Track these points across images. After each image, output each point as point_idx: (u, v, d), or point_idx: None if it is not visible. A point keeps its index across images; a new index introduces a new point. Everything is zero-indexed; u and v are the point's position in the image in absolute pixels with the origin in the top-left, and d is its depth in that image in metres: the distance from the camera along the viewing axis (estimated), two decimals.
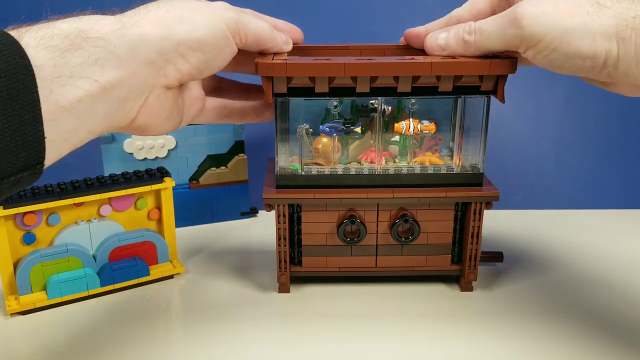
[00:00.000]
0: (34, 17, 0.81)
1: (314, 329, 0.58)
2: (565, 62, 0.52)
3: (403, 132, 0.60)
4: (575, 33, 0.49)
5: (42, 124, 0.39)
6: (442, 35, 0.58)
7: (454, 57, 0.56)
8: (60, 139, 0.42)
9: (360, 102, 0.60)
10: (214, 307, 0.62)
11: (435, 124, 0.60)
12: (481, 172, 0.61)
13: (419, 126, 0.60)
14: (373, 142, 0.62)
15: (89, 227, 0.63)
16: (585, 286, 0.65)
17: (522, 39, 0.51)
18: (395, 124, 0.60)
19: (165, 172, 0.66)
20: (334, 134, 0.60)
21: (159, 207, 0.67)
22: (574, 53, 0.50)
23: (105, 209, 0.64)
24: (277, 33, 0.58)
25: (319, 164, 0.62)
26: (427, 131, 0.60)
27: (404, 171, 0.61)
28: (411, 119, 0.60)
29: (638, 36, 0.47)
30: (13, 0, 0.79)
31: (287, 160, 0.61)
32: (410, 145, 0.62)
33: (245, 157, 0.81)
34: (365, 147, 0.63)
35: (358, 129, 0.60)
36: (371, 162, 0.61)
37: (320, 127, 0.60)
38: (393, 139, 0.62)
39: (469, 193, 0.60)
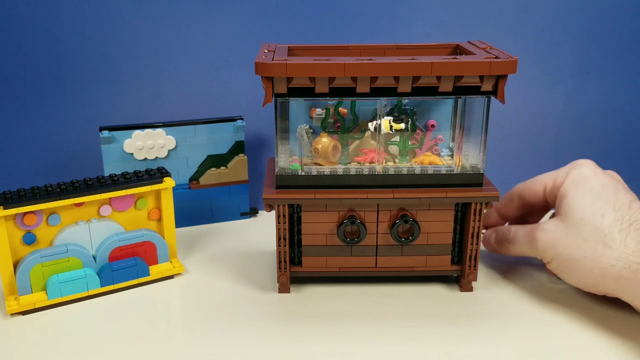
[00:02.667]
0: (34, 16, 0.82)
1: (313, 329, 0.58)
2: (575, 282, 0.60)
3: (372, 130, 0.60)
4: (578, 264, 0.57)
5: None
6: (492, 235, 0.68)
7: (454, 59, 0.56)
8: None
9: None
10: (214, 307, 0.62)
11: (405, 123, 0.60)
12: (481, 172, 0.61)
13: (390, 125, 0.60)
14: (373, 142, 0.62)
15: (89, 227, 0.63)
16: None
17: (541, 256, 0.61)
18: (369, 123, 0.60)
19: (165, 172, 0.66)
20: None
21: (159, 207, 0.67)
22: (579, 278, 0.58)
23: (105, 209, 0.64)
24: None
25: (319, 164, 0.62)
26: (398, 129, 0.60)
27: (404, 171, 0.61)
28: (382, 119, 0.60)
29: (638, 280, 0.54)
30: (13, 0, 0.79)
31: (287, 160, 0.61)
32: (411, 146, 0.62)
33: (245, 157, 0.80)
34: (365, 147, 0.63)
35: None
36: (370, 162, 0.61)
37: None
38: (393, 139, 0.62)
39: (469, 193, 0.60)
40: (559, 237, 0.58)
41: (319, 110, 0.61)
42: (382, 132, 0.60)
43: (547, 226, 0.60)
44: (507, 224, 0.70)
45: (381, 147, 0.61)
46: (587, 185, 0.60)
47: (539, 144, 0.87)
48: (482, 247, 0.67)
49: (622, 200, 0.58)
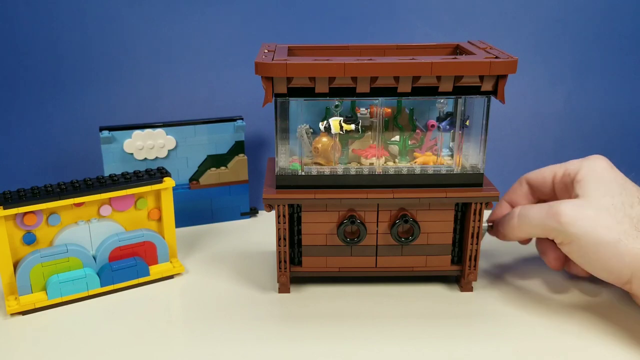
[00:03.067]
0: (34, 16, 0.82)
1: (313, 329, 0.58)
2: (591, 267, 0.56)
3: (322, 129, 0.60)
4: (606, 246, 0.53)
5: None
6: (499, 220, 0.64)
7: (454, 59, 0.56)
8: None
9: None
10: (214, 307, 0.62)
11: (356, 124, 0.60)
12: (481, 172, 0.61)
13: (340, 125, 0.60)
14: (373, 142, 0.62)
15: (89, 227, 0.63)
16: (586, 285, 0.65)
17: (559, 233, 0.55)
18: (320, 123, 0.60)
19: (165, 172, 0.66)
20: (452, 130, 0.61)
21: (159, 207, 0.67)
22: (600, 263, 0.54)
23: (105, 209, 0.64)
24: None
25: (319, 164, 0.62)
26: (348, 130, 0.60)
27: (404, 171, 0.61)
28: (331, 119, 0.59)
29: None
30: (13, 0, 0.79)
31: (287, 160, 0.61)
32: (411, 146, 0.62)
33: (245, 157, 0.80)
34: (365, 146, 0.63)
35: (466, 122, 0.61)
36: (369, 157, 0.61)
37: (441, 124, 0.60)
38: (393, 139, 0.62)
39: (469, 193, 0.60)
40: (590, 215, 0.54)
41: (363, 110, 0.61)
42: (333, 132, 0.60)
43: (573, 202, 0.56)
44: None
45: (380, 145, 0.61)
46: (607, 176, 0.58)
47: (539, 144, 0.87)
48: (482, 246, 0.67)
49: None
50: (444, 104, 0.61)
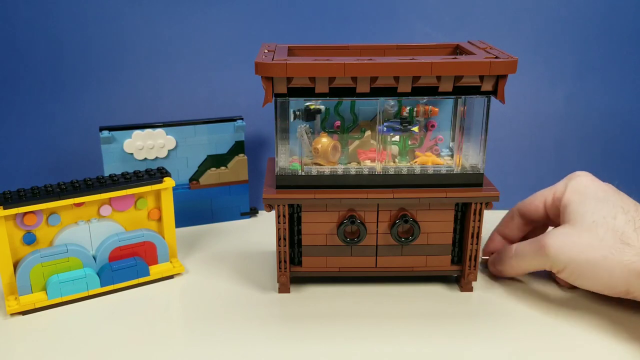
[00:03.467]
0: (34, 16, 0.82)
1: (313, 329, 0.58)
2: (592, 287, 0.58)
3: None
4: (595, 265, 0.55)
5: None
6: (496, 257, 0.66)
7: (454, 59, 0.56)
8: None
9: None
10: (214, 307, 0.62)
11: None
12: (481, 172, 0.61)
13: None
14: (373, 142, 0.62)
15: (89, 227, 0.63)
16: None
17: (552, 264, 0.58)
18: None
19: (165, 172, 0.66)
20: (391, 133, 0.60)
21: (159, 207, 0.67)
22: (596, 281, 0.56)
23: (105, 209, 0.64)
24: None
25: (319, 164, 0.62)
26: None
27: (404, 171, 0.61)
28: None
29: None
30: (13, 0, 0.79)
31: (287, 160, 0.61)
32: (411, 146, 0.62)
33: (245, 157, 0.80)
34: (365, 147, 0.63)
35: (415, 128, 0.61)
36: (370, 160, 0.61)
37: (378, 127, 0.60)
38: (393, 139, 0.62)
39: (469, 193, 0.60)
40: (573, 241, 0.57)
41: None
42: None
43: (556, 232, 0.59)
44: None
45: (381, 147, 0.61)
46: (590, 192, 0.59)
47: (539, 144, 0.87)
48: (482, 245, 0.67)
49: (627, 203, 0.58)
50: (394, 107, 0.60)
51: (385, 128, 0.60)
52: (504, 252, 0.64)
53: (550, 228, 0.67)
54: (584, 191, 0.60)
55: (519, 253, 0.62)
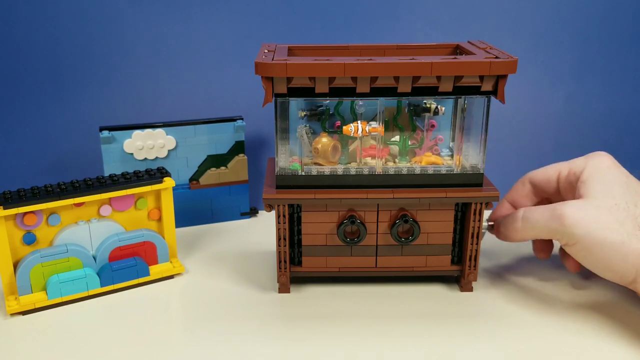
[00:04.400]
0: (34, 16, 0.82)
1: (313, 330, 0.58)
2: (596, 268, 0.56)
3: (352, 134, 0.59)
4: (610, 247, 0.54)
5: None
6: (502, 221, 0.64)
7: (454, 59, 0.56)
8: None
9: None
10: (214, 307, 0.62)
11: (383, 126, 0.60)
12: (481, 172, 0.61)
13: (367, 128, 0.59)
14: (374, 141, 0.62)
15: (89, 227, 0.63)
16: (586, 285, 0.65)
17: (563, 235, 0.56)
18: (344, 127, 0.60)
19: (165, 172, 0.66)
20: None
21: (159, 207, 0.67)
22: (605, 264, 0.55)
23: (105, 209, 0.64)
24: None
25: (319, 164, 0.62)
26: (376, 133, 0.60)
27: (404, 171, 0.61)
28: (359, 122, 0.59)
29: None
30: (13, 0, 0.79)
31: (287, 160, 0.61)
32: (411, 146, 0.62)
33: (245, 157, 0.80)
34: (365, 147, 0.63)
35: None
36: (370, 158, 0.61)
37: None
38: (393, 139, 0.62)
39: (469, 193, 0.60)
40: (593, 216, 0.54)
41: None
42: (360, 135, 0.59)
43: (576, 203, 0.56)
44: None
45: (381, 146, 0.61)
46: (611, 175, 0.58)
47: (539, 144, 0.87)
48: (482, 246, 0.67)
49: None
50: (362, 107, 0.60)
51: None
52: (511, 215, 0.62)
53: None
54: (605, 172, 0.58)
55: (529, 217, 0.59)
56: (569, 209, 0.56)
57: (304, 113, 0.60)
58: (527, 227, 0.60)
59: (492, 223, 0.66)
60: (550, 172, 0.63)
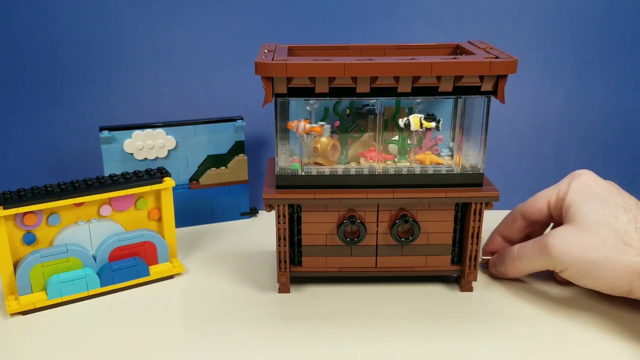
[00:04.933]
0: (34, 16, 0.82)
1: (313, 329, 0.58)
2: (593, 287, 0.58)
3: (294, 129, 0.59)
4: (597, 266, 0.56)
5: None
6: (497, 259, 0.66)
7: (454, 59, 0.56)
8: None
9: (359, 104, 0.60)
10: (214, 307, 0.62)
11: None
12: (481, 172, 0.61)
13: (307, 126, 0.59)
14: (373, 142, 0.62)
15: (89, 227, 0.63)
16: None
17: (554, 264, 0.58)
18: (288, 122, 0.59)
19: (165, 172, 0.66)
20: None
21: (159, 207, 0.67)
22: (599, 282, 0.57)
23: (105, 209, 0.64)
24: None
25: (319, 164, 0.62)
26: (314, 132, 0.59)
27: (404, 171, 0.61)
28: (303, 119, 0.59)
29: None
30: (13, 0, 0.79)
31: (287, 160, 0.61)
32: (410, 145, 0.62)
33: (245, 157, 0.80)
34: (365, 147, 0.63)
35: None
36: (370, 160, 0.61)
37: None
38: (393, 139, 0.62)
39: (469, 193, 0.60)
40: (575, 241, 0.57)
41: None
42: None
43: (558, 232, 0.58)
44: None
45: (380, 147, 0.61)
46: (591, 191, 0.59)
47: (539, 144, 0.87)
48: (482, 245, 0.67)
49: (629, 202, 0.58)
50: (314, 104, 0.60)
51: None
52: (505, 254, 0.64)
53: (549, 228, 0.67)
54: (586, 190, 0.60)
55: (522, 254, 0.62)
56: (552, 239, 0.58)
57: (349, 112, 0.60)
58: (524, 264, 0.62)
59: (488, 258, 0.68)
60: (540, 204, 0.64)
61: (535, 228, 0.67)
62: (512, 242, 0.67)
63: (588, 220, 0.57)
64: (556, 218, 0.64)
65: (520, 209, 0.66)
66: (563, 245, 0.57)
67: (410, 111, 0.60)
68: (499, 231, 0.68)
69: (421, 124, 0.59)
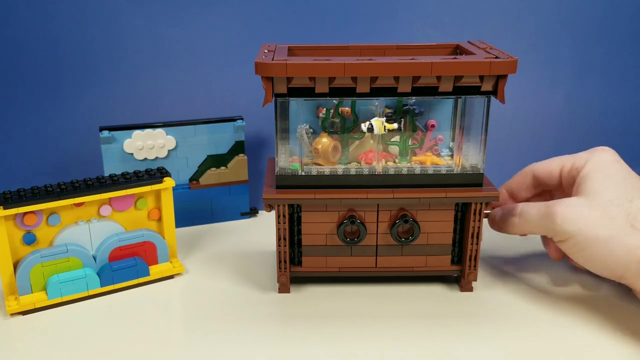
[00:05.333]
0: (34, 16, 0.82)
1: (313, 329, 0.58)
2: (588, 264, 0.57)
3: (364, 130, 0.60)
4: (599, 243, 0.55)
5: None
6: (498, 212, 0.65)
7: (454, 59, 0.56)
8: None
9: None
10: (214, 307, 0.62)
11: (398, 122, 0.60)
12: (481, 172, 0.61)
13: (383, 126, 0.60)
14: (373, 142, 0.62)
15: (89, 227, 0.63)
16: (587, 283, 0.65)
17: (555, 233, 0.57)
18: (362, 124, 0.60)
19: (165, 172, 0.66)
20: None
21: (159, 207, 0.67)
22: (596, 260, 0.56)
23: (105, 209, 0.64)
24: None
25: (319, 164, 0.62)
26: (391, 129, 0.60)
27: (404, 171, 0.61)
28: (373, 120, 0.59)
29: None
30: (13, 0, 0.79)
31: (287, 160, 0.61)
32: (411, 146, 0.62)
33: (245, 157, 0.80)
34: (365, 147, 0.63)
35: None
36: (369, 162, 0.61)
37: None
38: (393, 139, 0.62)
39: (469, 193, 0.60)
40: (583, 213, 0.56)
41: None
42: (376, 133, 0.60)
43: (569, 202, 0.57)
44: None
45: (380, 147, 0.61)
46: (611, 169, 0.58)
47: (539, 144, 0.87)
48: (482, 246, 0.67)
49: None
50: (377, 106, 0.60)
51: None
52: (508, 209, 0.63)
53: (554, 198, 0.67)
54: (605, 167, 0.59)
55: (525, 212, 0.60)
56: (560, 208, 0.57)
57: (389, 111, 0.60)
58: (524, 223, 0.61)
59: (488, 211, 0.66)
60: (553, 166, 0.63)
61: (541, 190, 0.66)
62: (517, 199, 0.67)
63: (602, 198, 0.56)
64: (565, 186, 0.63)
65: (532, 167, 0.66)
66: (570, 215, 0.56)
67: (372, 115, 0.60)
68: (506, 185, 0.67)
69: (384, 127, 0.59)
